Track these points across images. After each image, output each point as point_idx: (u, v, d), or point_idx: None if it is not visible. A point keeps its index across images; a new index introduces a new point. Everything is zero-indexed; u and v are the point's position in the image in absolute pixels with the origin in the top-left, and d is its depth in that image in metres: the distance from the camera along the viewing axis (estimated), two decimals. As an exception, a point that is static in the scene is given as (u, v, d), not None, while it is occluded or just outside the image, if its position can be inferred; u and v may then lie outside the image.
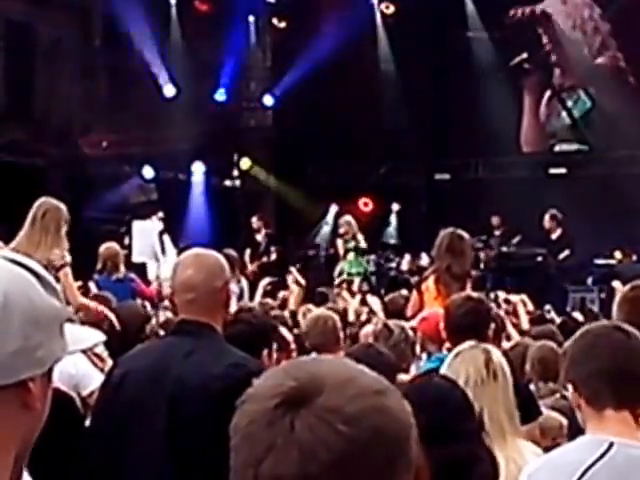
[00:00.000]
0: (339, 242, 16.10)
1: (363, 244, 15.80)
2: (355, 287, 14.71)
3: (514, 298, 9.13)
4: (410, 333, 5.81)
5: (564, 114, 20.28)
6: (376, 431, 1.29)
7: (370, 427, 1.29)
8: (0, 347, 1.49)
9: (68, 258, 6.22)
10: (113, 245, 10.33)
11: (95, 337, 1.90)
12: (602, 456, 2.76)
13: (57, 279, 5.54)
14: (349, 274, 15.51)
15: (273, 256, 17.41)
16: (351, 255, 15.73)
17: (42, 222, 6.64)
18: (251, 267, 16.89)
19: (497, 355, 3.83)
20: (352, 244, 15.71)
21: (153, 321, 7.32)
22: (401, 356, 5.43)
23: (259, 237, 17.76)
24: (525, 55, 20.16)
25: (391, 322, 5.85)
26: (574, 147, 20.15)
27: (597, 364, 2.91)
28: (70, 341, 1.65)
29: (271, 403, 1.30)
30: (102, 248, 10.15)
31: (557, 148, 20.42)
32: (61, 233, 6.79)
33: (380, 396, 1.32)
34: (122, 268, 10.03)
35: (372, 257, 17.28)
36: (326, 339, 5.78)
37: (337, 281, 15.30)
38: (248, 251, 17.07)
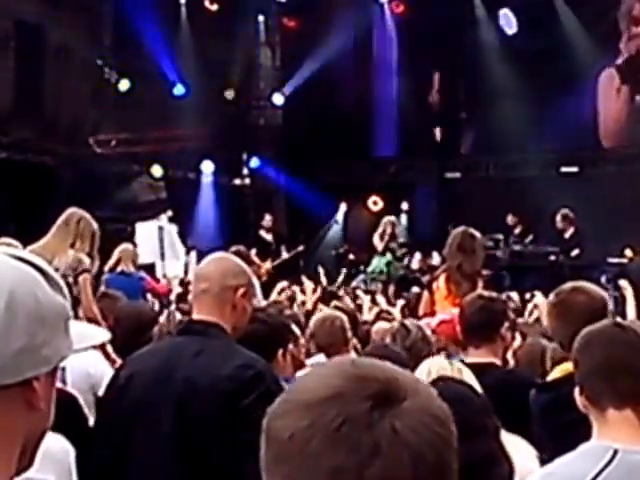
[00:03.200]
0: (377, 239, 16.29)
1: (398, 250, 16.07)
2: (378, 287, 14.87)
3: (539, 300, 9.06)
4: (428, 332, 5.78)
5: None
6: (453, 432, 1.33)
7: (452, 430, 1.32)
8: (5, 346, 1.47)
9: (92, 266, 6.29)
10: (127, 245, 10.42)
11: (101, 335, 1.86)
12: (606, 466, 2.69)
13: (76, 282, 5.75)
14: (380, 272, 15.75)
15: (283, 255, 17.45)
16: (388, 256, 16.00)
17: (77, 227, 6.71)
18: (266, 266, 16.94)
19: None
20: (390, 245, 15.99)
21: (161, 320, 7.32)
22: (418, 356, 5.37)
23: (268, 237, 17.75)
24: None
25: (408, 321, 5.81)
26: None
27: (592, 362, 2.86)
28: (75, 339, 1.63)
29: (365, 405, 1.26)
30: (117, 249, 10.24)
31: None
32: (94, 243, 6.89)
33: (438, 397, 1.35)
34: (131, 266, 10.01)
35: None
36: (334, 340, 5.72)
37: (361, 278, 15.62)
38: (254, 250, 17.08)
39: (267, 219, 18.01)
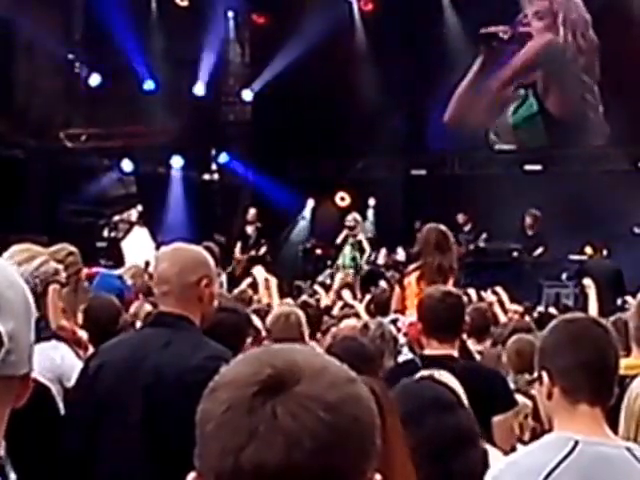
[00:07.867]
0: (343, 234, 16.62)
1: (364, 244, 16.40)
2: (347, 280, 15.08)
3: (488, 297, 9.27)
4: (389, 329, 5.79)
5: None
6: (354, 419, 1.31)
7: (349, 415, 1.30)
8: (27, 337, 1.56)
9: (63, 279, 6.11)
10: (138, 265, 10.46)
11: None
12: (566, 456, 2.76)
13: (45, 292, 5.39)
14: (343, 267, 16.00)
15: (263, 249, 17.66)
16: (347, 249, 16.28)
17: (66, 258, 6.57)
18: (241, 259, 17.18)
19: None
20: (351, 240, 16.27)
21: (131, 311, 7.47)
22: (376, 352, 5.35)
23: (250, 230, 17.95)
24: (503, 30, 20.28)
25: (371, 321, 5.72)
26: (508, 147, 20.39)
27: (580, 357, 2.90)
28: None
29: (250, 390, 1.29)
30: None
31: (497, 147, 20.61)
32: (77, 287, 6.71)
33: (353, 384, 1.34)
34: (129, 278, 9.88)
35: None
36: (289, 335, 5.72)
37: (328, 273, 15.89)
38: (239, 244, 17.44)
39: (251, 213, 18.21)
